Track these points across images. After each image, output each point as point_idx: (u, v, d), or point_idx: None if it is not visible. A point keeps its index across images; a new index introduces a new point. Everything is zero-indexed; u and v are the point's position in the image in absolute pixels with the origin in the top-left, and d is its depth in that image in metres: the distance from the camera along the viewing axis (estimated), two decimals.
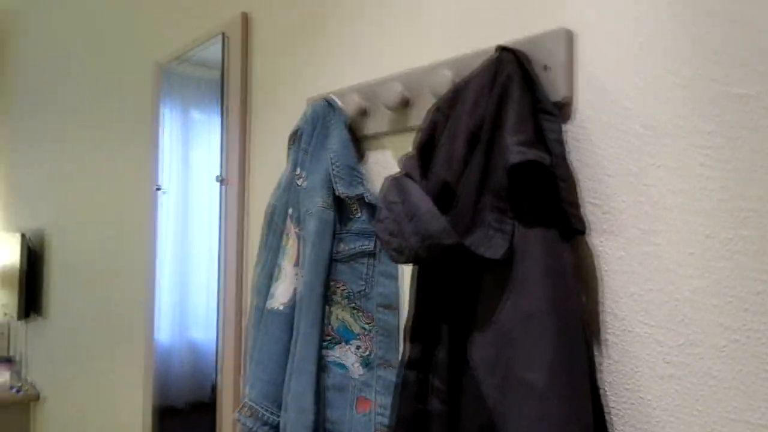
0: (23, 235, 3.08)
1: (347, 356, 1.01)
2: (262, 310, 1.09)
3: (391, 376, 0.97)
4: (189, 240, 1.77)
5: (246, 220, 1.42)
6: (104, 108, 2.33)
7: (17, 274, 3.11)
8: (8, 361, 3.34)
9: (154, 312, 1.85)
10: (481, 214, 0.67)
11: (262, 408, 1.03)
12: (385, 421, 0.95)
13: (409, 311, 0.79)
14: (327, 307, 1.03)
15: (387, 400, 0.96)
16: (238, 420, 1.04)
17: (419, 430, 0.74)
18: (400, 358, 0.82)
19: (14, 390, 3.01)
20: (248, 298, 1.38)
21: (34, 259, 3.13)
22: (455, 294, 0.73)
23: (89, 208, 2.44)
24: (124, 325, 2.07)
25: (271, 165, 1.34)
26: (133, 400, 1.97)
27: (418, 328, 0.76)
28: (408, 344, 0.77)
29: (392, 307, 0.99)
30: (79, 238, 2.54)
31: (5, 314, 3.37)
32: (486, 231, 0.67)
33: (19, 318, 3.08)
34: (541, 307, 0.63)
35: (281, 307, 1.05)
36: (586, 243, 0.71)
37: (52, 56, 3.02)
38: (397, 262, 0.73)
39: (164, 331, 1.82)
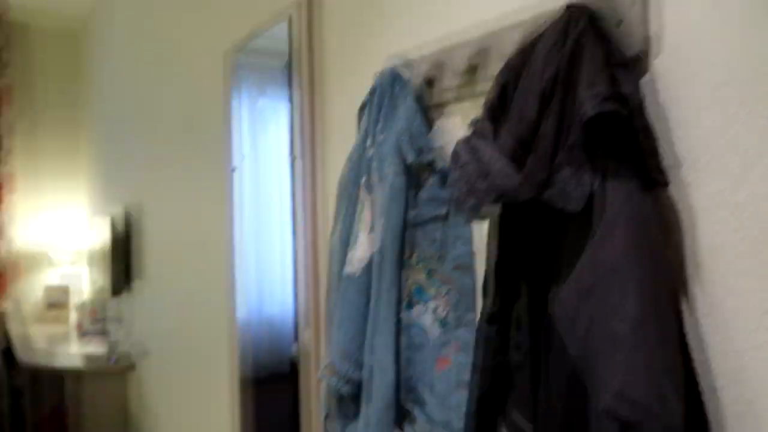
0: (113, 217, 3.29)
1: (424, 317, 1.04)
2: (339, 277, 1.14)
3: (468, 335, 0.99)
4: (263, 218, 1.85)
5: (319, 194, 1.47)
6: (182, 95, 2.45)
7: (111, 251, 3.34)
8: (105, 333, 3.61)
9: (235, 287, 1.95)
10: (558, 169, 0.68)
11: (344, 368, 1.09)
12: (464, 378, 0.98)
13: (487, 267, 0.81)
14: (403, 270, 1.07)
15: (465, 359, 0.99)
16: (322, 379, 1.10)
17: (500, 382, 0.77)
18: (477, 315, 0.85)
19: (112, 360, 3.26)
20: (324, 267, 1.44)
21: (125, 238, 3.35)
22: (533, 249, 0.74)
23: (174, 189, 2.58)
24: (210, 300, 2.19)
25: (342, 139, 1.37)
26: (219, 371, 2.10)
27: (496, 284, 0.78)
28: (486, 299, 0.80)
29: (467, 268, 1.01)
30: (166, 218, 2.70)
31: (100, 291, 3.64)
32: (563, 185, 0.67)
33: (113, 293, 3.31)
34: (624, 259, 0.63)
35: (357, 273, 1.09)
36: (669, 195, 0.70)
37: (132, 49, 3.19)
38: (473, 219, 0.74)
39: (243, 307, 1.92)
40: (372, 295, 1.06)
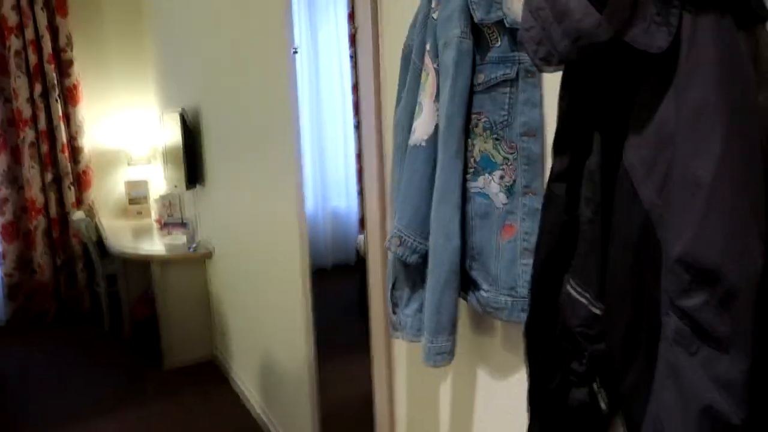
0: (182, 114, 3.37)
1: (490, 186, 1.03)
2: (404, 148, 1.13)
3: (535, 203, 0.98)
4: (324, 108, 1.84)
5: (381, 66, 1.43)
6: None
7: (180, 148, 3.46)
8: (183, 224, 3.83)
9: (303, 179, 1.99)
10: (643, 6, 0.62)
11: (410, 237, 1.10)
12: (530, 246, 0.98)
13: (558, 125, 0.78)
14: (468, 139, 1.04)
15: (532, 226, 0.98)
16: (389, 249, 1.13)
17: (566, 239, 0.76)
18: (545, 182, 0.82)
19: (191, 249, 3.47)
20: (390, 145, 1.44)
21: (191, 134, 3.45)
22: (607, 99, 0.70)
23: (235, 81, 2.59)
24: (277, 190, 2.25)
25: (403, 7, 1.31)
26: (289, 260, 2.20)
27: (566, 140, 0.75)
28: (556, 158, 0.77)
29: (535, 134, 0.98)
30: (227, 112, 2.74)
31: (175, 186, 3.82)
32: (647, 24, 0.62)
33: (187, 187, 3.47)
34: (712, 100, 0.59)
35: (423, 143, 1.08)
36: (766, 31, 0.64)
37: None
38: (544, 71, 0.70)
39: (308, 201, 1.96)
40: (437, 165, 1.05)
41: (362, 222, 1.66)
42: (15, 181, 4.35)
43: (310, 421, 2.22)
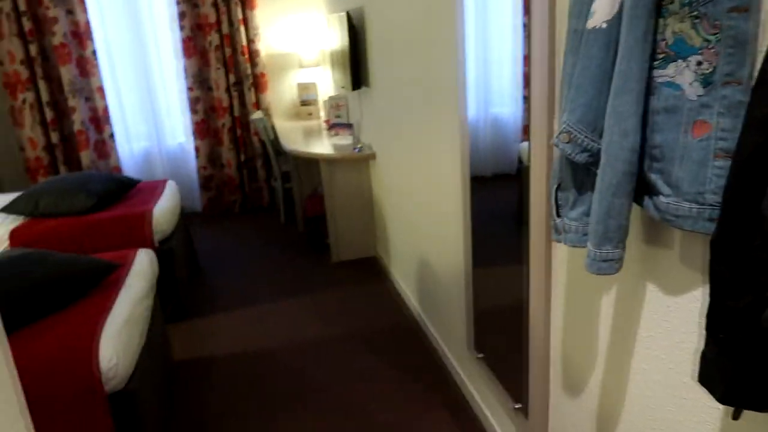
0: (348, 13, 3.38)
1: (683, 75, 0.88)
2: (581, 32, 1.00)
3: (739, 95, 0.82)
4: (489, 9, 1.69)
5: None
6: None
7: (346, 50, 3.51)
8: (349, 126, 3.95)
9: (465, 86, 1.90)
10: None
11: (581, 133, 1.00)
12: (728, 145, 0.83)
13: None
14: (660, 19, 0.89)
15: (732, 123, 0.83)
16: (556, 146, 1.04)
17: None
18: (754, 70, 0.67)
19: (356, 150, 3.60)
20: (561, 41, 1.29)
21: (356, 36, 3.46)
22: None
23: None
24: (439, 94, 2.19)
25: None
26: (448, 166, 2.16)
27: None
28: None
29: (748, 9, 0.80)
30: (390, 13, 2.68)
31: (342, 87, 3.92)
32: None
33: (352, 88, 3.54)
34: None
35: (603, 25, 0.94)
36: None
37: None
38: None
39: (469, 107, 1.87)
40: (619, 50, 0.92)
41: (525, 130, 1.56)
42: (204, 82, 4.78)
43: (464, 326, 2.27)
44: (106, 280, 2.18)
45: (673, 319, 1.05)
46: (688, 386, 1.03)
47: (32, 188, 3.09)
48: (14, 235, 2.84)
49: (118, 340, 1.79)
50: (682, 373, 1.04)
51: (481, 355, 2.10)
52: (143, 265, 2.37)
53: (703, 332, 0.97)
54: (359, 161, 3.64)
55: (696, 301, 0.98)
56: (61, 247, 2.88)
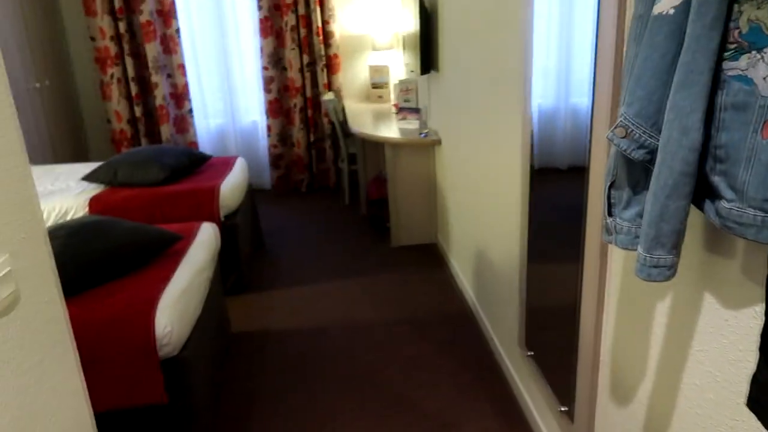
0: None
1: (757, 68, 0.79)
2: (646, 18, 0.92)
3: None
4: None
5: None
6: None
7: (417, 35, 3.46)
8: (416, 111, 3.91)
9: (531, 73, 1.82)
10: None
11: (638, 128, 0.93)
12: None
13: None
14: (735, 4, 0.80)
15: None
16: (611, 140, 0.97)
17: None
18: None
19: (422, 135, 3.56)
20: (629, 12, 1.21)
21: (428, 19, 3.40)
22: None
23: None
24: (505, 83, 2.12)
25: None
26: (510, 158, 2.09)
27: None
28: None
29: None
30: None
31: (411, 71, 3.88)
32: None
33: (421, 72, 3.50)
34: None
35: (671, 11, 0.86)
36: None
37: None
38: None
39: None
40: (686, 39, 0.84)
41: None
42: (279, 62, 4.87)
43: (516, 322, 2.21)
44: (170, 250, 2.27)
45: (730, 334, 0.96)
46: (742, 409, 0.95)
47: (112, 159, 3.27)
48: (93, 203, 3.01)
49: (174, 308, 1.87)
50: (736, 394, 0.96)
51: (530, 353, 2.04)
52: (206, 237, 2.46)
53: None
54: (424, 147, 3.61)
55: (756, 318, 0.90)
56: (133, 216, 3.03)
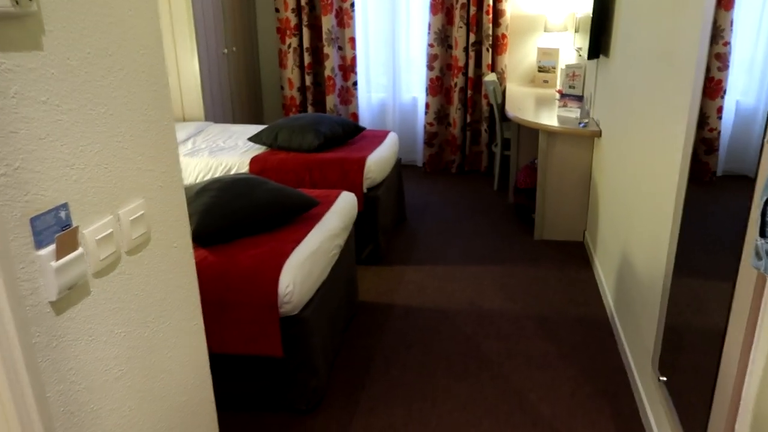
0: None
1: None
2: None
3: None
4: None
5: None
6: None
7: (590, 16, 3.20)
8: (579, 98, 3.66)
9: (702, 67, 1.58)
10: None
11: None
12: None
13: None
14: None
15: None
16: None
17: None
18: None
19: (581, 125, 3.32)
20: None
21: (604, 2, 3.13)
22: None
23: None
24: (674, 76, 1.87)
25: None
26: (670, 157, 1.85)
27: None
28: None
29: None
30: None
31: (580, 55, 3.61)
32: None
33: (589, 56, 3.24)
34: None
35: None
36: None
37: None
38: None
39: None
40: None
41: None
42: (445, 40, 4.83)
43: (652, 340, 1.99)
44: (307, 214, 2.39)
45: None
46: None
47: (274, 123, 3.50)
48: (253, 162, 3.27)
49: (299, 270, 1.96)
50: None
51: (663, 378, 1.82)
52: (342, 206, 2.54)
53: None
54: (582, 137, 3.36)
55: None
56: (285, 179, 3.23)
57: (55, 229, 0.92)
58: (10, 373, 0.87)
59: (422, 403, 2.17)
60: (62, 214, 0.94)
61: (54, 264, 0.91)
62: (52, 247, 0.91)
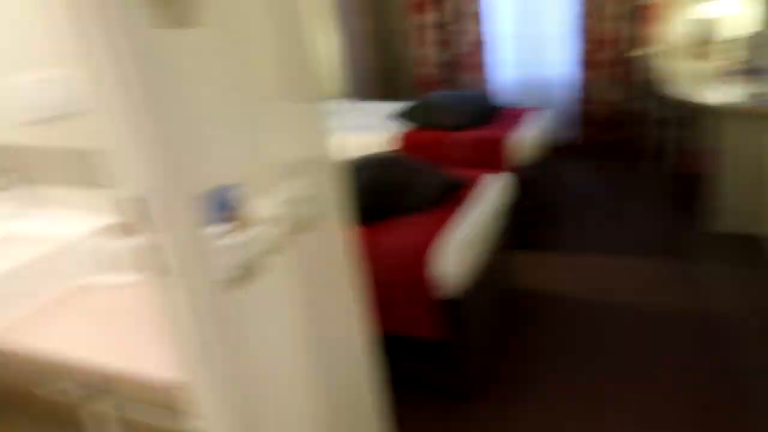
0: None
1: None
2: None
3: None
4: None
5: None
6: None
7: None
8: (756, 71, 3.24)
9: None
10: None
11: None
12: None
13: None
14: None
15: None
16: None
17: None
18: None
19: (760, 102, 2.94)
20: None
21: None
22: None
23: None
24: None
25: None
26: None
27: None
28: None
29: None
30: None
31: (754, 26, 3.20)
32: None
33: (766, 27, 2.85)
34: None
35: None
36: None
37: None
38: None
39: None
40: None
41: None
42: (593, 12, 4.50)
43: None
44: (455, 195, 2.33)
45: None
46: None
47: (418, 102, 3.47)
48: (398, 140, 3.27)
49: (455, 251, 1.92)
50: None
51: None
52: (493, 189, 2.45)
53: None
54: (761, 117, 2.97)
55: None
56: (429, 157, 3.20)
57: (228, 207, 0.94)
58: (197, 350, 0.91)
59: (577, 407, 2.06)
60: (235, 193, 0.96)
61: (227, 242, 0.93)
62: (225, 226, 0.93)
